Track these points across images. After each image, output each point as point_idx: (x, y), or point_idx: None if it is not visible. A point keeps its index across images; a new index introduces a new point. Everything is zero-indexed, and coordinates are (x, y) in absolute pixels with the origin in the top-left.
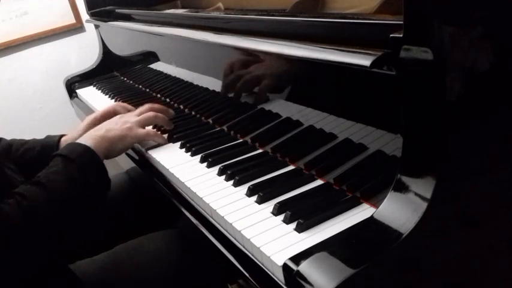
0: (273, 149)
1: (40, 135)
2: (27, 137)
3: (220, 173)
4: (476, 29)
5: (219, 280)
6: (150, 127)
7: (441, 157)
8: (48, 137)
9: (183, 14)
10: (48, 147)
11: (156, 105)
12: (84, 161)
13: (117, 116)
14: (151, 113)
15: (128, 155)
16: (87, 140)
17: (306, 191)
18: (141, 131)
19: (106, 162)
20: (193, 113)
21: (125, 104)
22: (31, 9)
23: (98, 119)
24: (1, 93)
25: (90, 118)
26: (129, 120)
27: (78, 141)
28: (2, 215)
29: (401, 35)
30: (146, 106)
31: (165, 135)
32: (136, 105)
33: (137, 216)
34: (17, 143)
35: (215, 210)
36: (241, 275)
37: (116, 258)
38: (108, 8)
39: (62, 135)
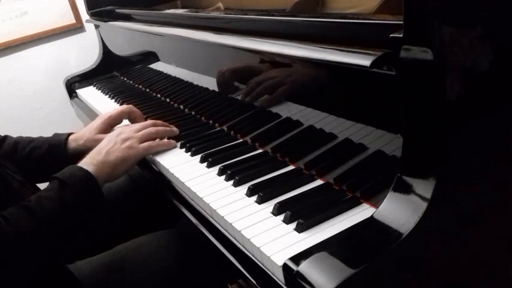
0: (273, 149)
1: (40, 135)
2: None
3: (220, 173)
4: (476, 29)
5: (219, 280)
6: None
7: (441, 157)
8: (55, 135)
9: (183, 14)
10: (56, 146)
11: (159, 122)
12: (82, 188)
13: (115, 133)
14: (152, 129)
15: None
16: (89, 165)
17: (306, 191)
18: (142, 147)
19: None
20: (193, 113)
21: (136, 110)
22: (31, 9)
23: (113, 118)
24: (1, 93)
25: (103, 118)
26: (129, 136)
27: (80, 164)
28: None
29: (401, 35)
30: (148, 122)
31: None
32: (137, 105)
33: (137, 216)
34: (24, 141)
35: (215, 210)
36: (241, 275)
37: (115, 258)
38: (108, 8)
39: (69, 134)
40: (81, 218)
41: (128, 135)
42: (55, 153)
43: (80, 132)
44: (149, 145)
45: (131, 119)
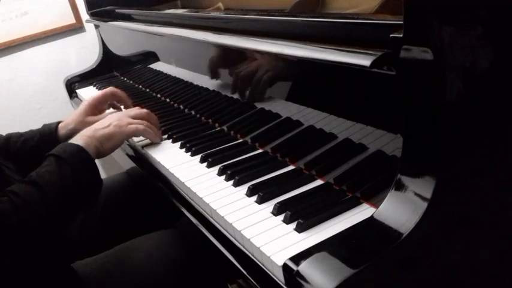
0: (273, 149)
1: None
2: None
3: (220, 173)
4: (476, 29)
5: (219, 280)
6: (140, 123)
7: (441, 157)
8: (45, 125)
9: (183, 14)
10: (47, 135)
11: (153, 115)
12: (77, 161)
13: (109, 115)
14: (144, 111)
15: (128, 155)
16: (78, 140)
17: (306, 191)
18: (130, 127)
19: (106, 162)
20: (193, 113)
21: (120, 91)
22: (31, 9)
23: (97, 100)
24: (1, 93)
25: (88, 101)
26: (120, 117)
27: (70, 141)
28: None
29: (401, 35)
30: (144, 110)
31: (160, 133)
32: (137, 105)
33: (137, 216)
34: (14, 136)
35: (215, 210)
36: (241, 275)
37: (115, 258)
38: (108, 8)
39: (58, 122)
40: (81, 190)
41: (119, 116)
42: (47, 142)
43: (68, 118)
44: (136, 127)
45: (119, 102)
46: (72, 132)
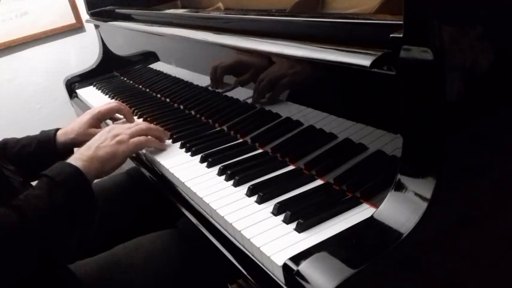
0: (273, 149)
1: None
2: None
3: (220, 173)
4: (476, 29)
5: (218, 280)
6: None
7: (441, 157)
8: (43, 132)
9: (183, 14)
10: (45, 142)
11: (152, 125)
12: (71, 185)
13: (107, 129)
14: (144, 125)
15: None
16: (77, 160)
17: (306, 191)
18: (132, 141)
19: None
20: (193, 113)
21: (125, 107)
22: (31, 9)
23: (102, 114)
24: (1, 93)
25: (92, 113)
26: (120, 132)
27: (69, 161)
28: None
29: (401, 35)
30: (141, 121)
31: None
32: (137, 105)
33: (137, 216)
34: (11, 141)
35: (215, 210)
36: (241, 275)
37: (115, 258)
38: (108, 8)
39: (57, 129)
40: (73, 217)
41: (119, 131)
42: (45, 149)
43: (68, 126)
44: (139, 140)
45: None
46: (73, 142)
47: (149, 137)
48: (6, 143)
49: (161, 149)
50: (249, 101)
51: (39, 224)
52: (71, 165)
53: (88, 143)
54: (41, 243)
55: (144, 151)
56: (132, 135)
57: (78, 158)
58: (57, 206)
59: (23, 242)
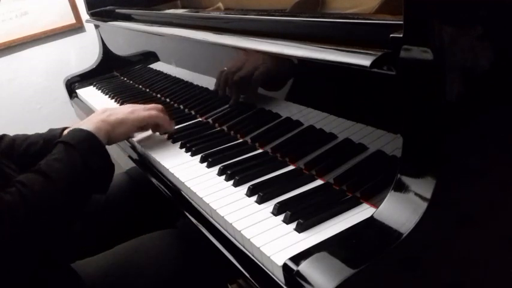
0: (273, 149)
1: None
2: None
3: (220, 173)
4: (476, 29)
5: (218, 280)
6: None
7: (441, 157)
8: (50, 130)
9: (183, 14)
10: (51, 141)
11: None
12: (85, 147)
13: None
14: (159, 106)
15: (128, 155)
16: (88, 125)
17: (306, 191)
18: (143, 112)
19: None
20: (193, 113)
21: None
22: (31, 9)
23: None
24: (1, 93)
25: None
26: (133, 106)
27: (80, 126)
28: (2, 204)
29: (401, 35)
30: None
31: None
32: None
33: (137, 216)
34: (19, 138)
35: (215, 210)
36: (241, 275)
37: (115, 258)
38: (108, 8)
39: (64, 128)
40: (91, 176)
41: (133, 106)
42: (51, 147)
43: (74, 125)
44: (150, 112)
45: None
46: None
47: (159, 112)
48: (15, 140)
49: (156, 144)
50: (249, 101)
51: (63, 184)
52: (82, 129)
53: (101, 109)
54: (66, 203)
55: (144, 151)
56: (145, 110)
57: (89, 122)
58: (76, 167)
59: (51, 201)
